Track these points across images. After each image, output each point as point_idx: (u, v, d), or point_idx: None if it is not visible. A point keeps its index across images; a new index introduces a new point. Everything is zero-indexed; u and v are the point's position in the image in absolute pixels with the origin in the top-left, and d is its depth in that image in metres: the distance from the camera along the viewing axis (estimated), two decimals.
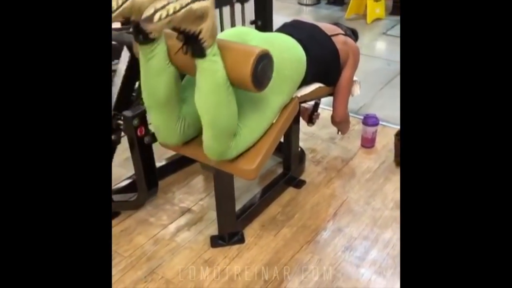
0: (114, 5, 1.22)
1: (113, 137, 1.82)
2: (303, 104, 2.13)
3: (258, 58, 1.36)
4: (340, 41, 1.90)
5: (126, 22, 1.35)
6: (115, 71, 1.90)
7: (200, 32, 1.28)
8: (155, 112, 1.53)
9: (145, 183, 1.88)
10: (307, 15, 5.04)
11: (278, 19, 2.25)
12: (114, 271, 1.72)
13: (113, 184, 2.04)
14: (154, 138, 1.78)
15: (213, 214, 1.94)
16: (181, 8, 1.20)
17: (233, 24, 2.30)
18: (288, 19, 1.98)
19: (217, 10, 2.19)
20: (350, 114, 2.19)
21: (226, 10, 2.23)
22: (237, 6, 2.27)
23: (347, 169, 2.30)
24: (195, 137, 1.62)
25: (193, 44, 1.32)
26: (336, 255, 1.78)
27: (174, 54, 1.41)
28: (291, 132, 2.01)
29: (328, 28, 1.93)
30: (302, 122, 2.18)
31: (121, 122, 1.79)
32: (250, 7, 2.29)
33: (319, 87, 1.85)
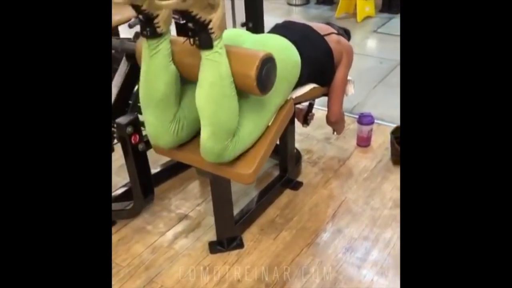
0: None
1: None
2: (297, 105, 2.11)
3: (263, 62, 1.36)
4: (333, 40, 1.89)
5: (137, 11, 1.34)
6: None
7: (210, 21, 1.28)
8: (151, 111, 1.51)
9: (141, 191, 1.85)
10: (297, 15, 5.02)
11: (268, 20, 2.24)
12: (113, 281, 1.69)
13: None
14: (148, 145, 1.75)
15: (210, 220, 1.92)
16: None
17: None
18: (278, 20, 1.96)
19: None
20: (344, 113, 2.17)
21: None
22: (228, 9, 2.26)
23: (344, 169, 2.29)
24: (190, 142, 1.60)
25: (201, 34, 1.32)
26: (337, 257, 1.77)
27: (182, 43, 1.42)
28: (287, 133, 1.99)
29: (320, 27, 1.91)
30: (297, 123, 2.16)
31: (114, 129, 1.76)
32: (240, 10, 2.27)
33: (314, 87, 1.83)
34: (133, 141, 1.74)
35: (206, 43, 1.33)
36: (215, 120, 1.42)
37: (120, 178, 2.13)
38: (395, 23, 4.52)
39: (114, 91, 1.85)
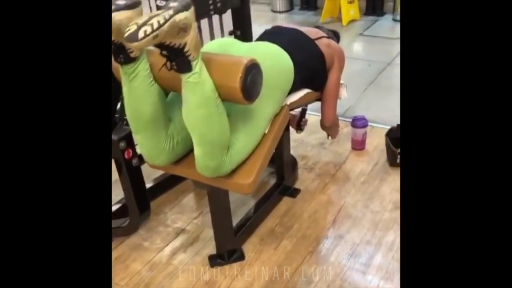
0: None
1: None
2: (290, 112, 2.09)
3: (247, 69, 1.31)
4: (324, 44, 1.87)
5: None
6: None
7: (185, 45, 1.23)
8: (142, 134, 1.47)
9: (136, 207, 1.81)
10: (282, 22, 5.02)
11: (255, 28, 2.22)
12: None
13: None
14: (142, 160, 1.71)
15: (209, 232, 1.88)
16: (166, 21, 1.14)
17: (212, 37, 2.25)
18: (263, 28, 1.92)
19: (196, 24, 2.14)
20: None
21: (204, 22, 2.18)
22: (215, 18, 2.23)
23: (341, 173, 2.26)
24: (186, 156, 1.56)
25: (178, 59, 1.26)
26: (340, 264, 1.73)
27: (158, 71, 1.35)
28: (283, 140, 1.96)
29: (310, 31, 1.89)
30: (291, 130, 2.13)
31: None
32: (228, 18, 2.24)
33: (308, 92, 1.81)
34: (126, 156, 1.69)
35: (184, 67, 1.27)
36: (205, 140, 1.38)
37: (113, 195, 2.08)
38: (380, 25, 4.53)
39: None
